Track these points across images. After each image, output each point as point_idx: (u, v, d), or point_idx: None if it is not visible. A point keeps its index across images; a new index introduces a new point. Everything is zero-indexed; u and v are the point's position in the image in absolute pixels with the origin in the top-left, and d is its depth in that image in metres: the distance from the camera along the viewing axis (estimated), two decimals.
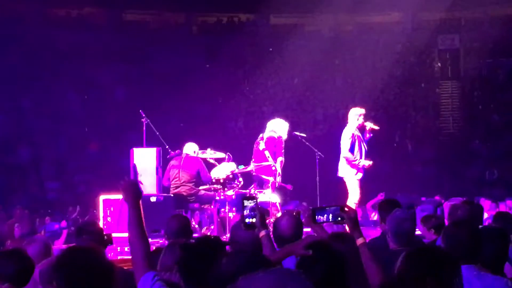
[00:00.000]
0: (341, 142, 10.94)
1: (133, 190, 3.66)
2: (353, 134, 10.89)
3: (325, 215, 4.13)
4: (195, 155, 11.01)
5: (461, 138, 22.65)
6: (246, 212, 4.25)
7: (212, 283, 2.92)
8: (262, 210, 4.41)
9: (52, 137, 20.08)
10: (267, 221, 9.66)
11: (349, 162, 10.82)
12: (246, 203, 4.26)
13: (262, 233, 4.24)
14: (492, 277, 4.07)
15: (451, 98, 24.33)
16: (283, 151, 11.14)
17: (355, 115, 11.05)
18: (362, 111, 11.19)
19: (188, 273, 3.37)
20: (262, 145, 11.06)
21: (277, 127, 11.26)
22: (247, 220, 4.26)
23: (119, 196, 10.97)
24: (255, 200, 4.28)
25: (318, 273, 3.39)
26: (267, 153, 10.98)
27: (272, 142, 11.07)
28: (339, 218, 4.11)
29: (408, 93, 23.72)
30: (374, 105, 21.82)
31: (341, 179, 11.09)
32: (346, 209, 4.14)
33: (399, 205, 6.73)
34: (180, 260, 3.47)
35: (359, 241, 4.04)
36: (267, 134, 11.17)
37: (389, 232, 5.44)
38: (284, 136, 11.22)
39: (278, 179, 11.00)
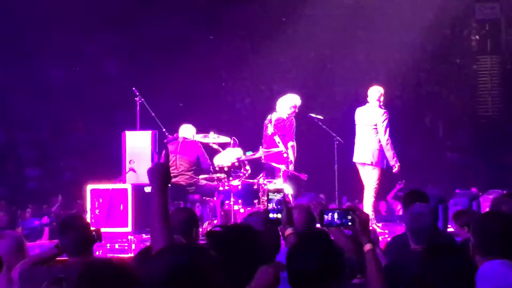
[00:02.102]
0: (377, 124, 11.06)
1: (163, 172, 3.67)
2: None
3: (334, 217, 4.16)
4: (193, 138, 11.00)
5: (500, 121, 22.56)
6: (271, 205, 4.29)
7: None
8: (289, 205, 4.48)
9: (32, 117, 20.08)
10: None
11: (390, 148, 10.97)
12: (271, 195, 4.31)
13: (289, 231, 4.30)
14: None
15: (490, 75, 24.18)
16: (293, 131, 11.09)
17: (379, 93, 11.28)
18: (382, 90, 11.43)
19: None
20: (270, 129, 11.04)
21: (285, 104, 11.23)
22: (271, 215, 4.29)
23: (109, 186, 11.00)
24: (282, 193, 4.33)
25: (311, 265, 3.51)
26: (277, 138, 10.96)
27: (281, 123, 11.04)
28: (350, 222, 4.15)
29: (441, 70, 23.59)
30: (401, 84, 21.74)
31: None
32: (357, 212, 4.22)
33: (425, 198, 6.72)
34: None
35: (367, 247, 4.11)
36: (275, 115, 11.14)
37: (407, 230, 5.44)
38: (298, 103, 11.18)
39: (291, 167, 10.99)
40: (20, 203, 17.37)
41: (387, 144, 10.99)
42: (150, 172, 3.69)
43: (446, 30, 23.98)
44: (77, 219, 5.62)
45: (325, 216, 4.19)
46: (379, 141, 11.02)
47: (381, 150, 11.02)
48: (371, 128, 11.14)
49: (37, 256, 5.67)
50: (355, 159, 11.30)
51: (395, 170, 11.13)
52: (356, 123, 11.47)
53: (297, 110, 11.29)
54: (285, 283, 3.64)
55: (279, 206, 4.28)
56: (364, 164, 11.12)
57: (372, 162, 11.02)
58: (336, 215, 4.17)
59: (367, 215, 4.29)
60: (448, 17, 23.87)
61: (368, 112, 11.26)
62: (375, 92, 11.35)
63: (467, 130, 22.26)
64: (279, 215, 4.29)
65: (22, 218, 16.45)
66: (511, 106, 22.77)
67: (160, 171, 3.67)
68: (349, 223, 4.17)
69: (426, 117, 22.36)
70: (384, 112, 11.12)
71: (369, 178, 11.07)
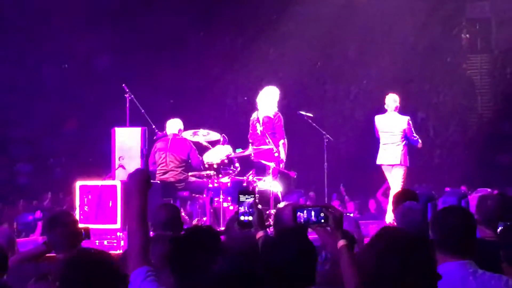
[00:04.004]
0: (405, 131, 12.25)
1: (141, 177, 3.77)
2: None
3: (307, 215, 4.16)
4: (179, 132, 11.00)
5: (490, 119, 22.61)
6: (242, 208, 4.27)
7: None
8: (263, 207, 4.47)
9: (22, 113, 20.02)
10: (268, 212, 9.70)
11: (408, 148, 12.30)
12: (242, 198, 4.28)
13: (260, 233, 4.28)
14: (490, 276, 4.06)
15: (480, 74, 24.24)
16: (283, 128, 11.11)
17: (396, 102, 12.39)
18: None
19: (179, 268, 3.40)
20: (259, 128, 11.05)
21: (269, 100, 11.24)
22: (242, 217, 4.27)
23: (98, 182, 10.98)
24: (253, 196, 4.29)
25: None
26: (268, 136, 10.96)
27: (270, 123, 11.05)
28: (323, 220, 4.14)
29: (431, 68, 23.61)
30: (391, 82, 21.75)
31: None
32: (330, 209, 4.23)
33: (415, 197, 6.75)
34: (169, 254, 3.50)
35: (341, 243, 4.13)
36: (262, 113, 11.15)
37: (396, 225, 5.45)
38: (275, 107, 11.25)
39: (281, 165, 11.01)
40: (10, 200, 17.34)
41: (418, 141, 12.50)
42: (131, 176, 3.81)
43: (437, 28, 24.00)
44: (64, 215, 5.62)
45: (299, 214, 4.18)
46: (404, 144, 12.23)
47: (406, 152, 12.23)
48: (396, 134, 12.23)
49: (26, 253, 5.67)
50: (381, 162, 12.37)
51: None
52: (379, 130, 12.37)
53: None
54: None
55: (250, 209, 4.26)
56: (393, 165, 12.18)
57: (400, 162, 12.14)
58: (309, 213, 4.16)
59: (341, 212, 4.30)
60: (439, 16, 23.91)
61: (391, 121, 12.29)
62: (393, 102, 12.37)
63: (457, 128, 22.29)
64: (250, 218, 4.27)
65: (13, 213, 16.42)
66: (501, 105, 22.82)
67: (140, 176, 3.78)
68: (323, 221, 4.17)
69: (417, 115, 22.38)
70: (408, 120, 12.33)
71: (397, 177, 12.13)
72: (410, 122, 12.42)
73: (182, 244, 3.51)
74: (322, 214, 4.14)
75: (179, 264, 3.42)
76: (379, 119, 12.50)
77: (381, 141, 12.40)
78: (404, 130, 12.26)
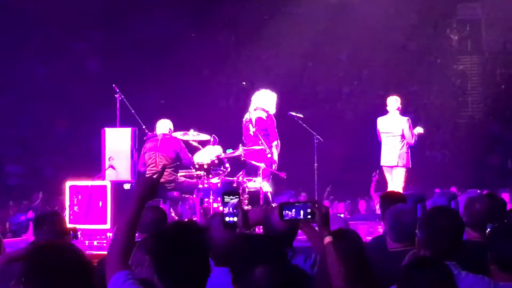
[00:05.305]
0: (404, 131, 12.35)
1: (148, 185, 3.71)
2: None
3: (294, 211, 4.16)
4: (169, 132, 10.98)
5: (481, 121, 22.66)
6: (226, 209, 4.25)
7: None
8: (247, 208, 4.46)
9: (13, 114, 19.97)
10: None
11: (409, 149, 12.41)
12: (227, 199, 4.27)
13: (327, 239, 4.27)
14: (474, 277, 4.09)
15: (470, 75, 24.30)
16: (276, 130, 11.11)
17: (397, 103, 12.57)
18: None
19: (161, 265, 3.37)
20: (252, 128, 11.03)
21: (264, 102, 11.24)
22: (227, 218, 4.25)
23: (88, 183, 10.96)
24: (237, 196, 4.28)
25: None
26: (260, 137, 10.95)
27: (262, 124, 11.04)
28: (310, 216, 4.13)
29: (422, 69, 23.67)
30: (383, 82, 21.78)
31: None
32: (316, 205, 4.23)
33: (403, 199, 6.74)
34: (151, 250, 3.48)
35: (326, 239, 4.14)
36: (254, 114, 11.14)
37: (387, 228, 5.44)
38: (273, 111, 11.23)
39: (274, 166, 11.01)
40: (0, 200, 17.28)
41: (414, 140, 12.41)
42: (139, 181, 3.82)
43: (428, 29, 24.05)
44: (52, 215, 5.60)
45: (286, 211, 4.17)
46: (405, 145, 12.33)
47: (407, 153, 12.34)
48: (398, 136, 12.36)
49: (13, 253, 5.63)
50: (383, 163, 12.54)
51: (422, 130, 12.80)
52: (381, 131, 12.52)
53: None
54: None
55: (235, 210, 4.25)
56: (393, 166, 12.34)
57: (401, 164, 12.30)
58: (296, 209, 4.16)
59: (327, 208, 4.30)
60: (430, 17, 23.96)
61: (392, 121, 12.45)
62: (394, 102, 12.56)
63: (447, 129, 22.33)
64: (235, 219, 4.25)
65: (4, 213, 16.39)
66: (490, 106, 22.88)
67: (148, 184, 3.73)
68: (309, 217, 4.16)
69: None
70: (408, 119, 12.47)
71: (397, 178, 12.28)
72: (409, 121, 12.51)
73: (164, 239, 3.49)
74: (308, 211, 4.14)
75: (161, 260, 3.40)
76: (380, 121, 12.64)
77: (382, 142, 12.53)
78: (403, 130, 12.39)
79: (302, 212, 4.16)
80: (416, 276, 3.48)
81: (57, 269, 3.17)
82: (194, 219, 10.55)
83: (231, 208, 4.26)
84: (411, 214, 5.50)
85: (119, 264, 3.48)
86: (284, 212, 4.17)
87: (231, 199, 4.27)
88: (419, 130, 12.68)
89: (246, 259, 3.52)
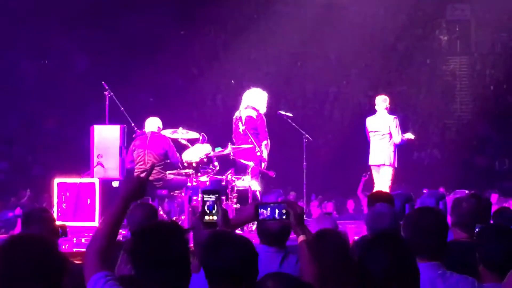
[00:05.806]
0: (390, 129, 12.40)
1: (135, 185, 3.70)
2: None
3: (270, 211, 4.19)
4: (158, 130, 10.98)
5: (469, 121, 22.71)
6: (206, 208, 4.25)
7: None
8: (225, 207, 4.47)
9: (0, 110, 19.89)
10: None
11: (397, 148, 12.43)
12: (206, 197, 4.27)
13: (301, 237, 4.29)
14: (458, 277, 4.11)
15: (459, 76, 24.36)
16: (266, 129, 11.11)
17: (386, 102, 12.60)
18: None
19: (139, 261, 3.37)
20: (241, 127, 11.03)
21: (255, 101, 11.23)
22: (207, 217, 4.25)
23: (77, 180, 10.94)
24: (216, 195, 4.28)
25: None
26: (250, 135, 10.95)
27: (252, 123, 11.03)
28: (285, 216, 4.19)
29: (411, 70, 23.70)
30: (372, 83, 21.82)
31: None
32: (291, 205, 4.27)
33: (390, 199, 6.73)
34: (131, 247, 3.47)
35: (300, 238, 4.20)
36: (244, 113, 11.13)
37: (368, 230, 5.46)
38: (263, 110, 11.22)
39: (263, 165, 11.01)
40: None
41: (401, 139, 12.44)
42: (125, 180, 3.79)
43: (417, 30, 24.10)
44: (41, 212, 5.58)
45: (262, 211, 4.19)
46: (392, 144, 12.36)
47: (394, 152, 12.38)
48: (385, 135, 12.39)
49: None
50: (371, 162, 12.51)
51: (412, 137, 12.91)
52: (369, 130, 12.54)
53: None
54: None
55: (213, 209, 4.25)
56: (380, 165, 12.34)
57: (388, 163, 12.31)
58: (271, 209, 4.19)
59: (302, 208, 4.33)
60: (419, 17, 24.01)
61: (379, 120, 12.48)
62: (382, 102, 12.59)
63: (436, 129, 22.38)
64: (214, 217, 4.26)
65: None
66: (479, 107, 22.93)
67: (135, 184, 3.71)
68: (284, 217, 4.19)
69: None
70: (395, 118, 12.52)
71: (385, 177, 12.31)
72: (397, 120, 12.57)
73: (144, 237, 3.48)
74: (283, 211, 4.17)
75: (140, 257, 3.39)
76: (368, 120, 12.68)
77: (370, 141, 12.57)
78: (390, 128, 12.43)
79: (277, 211, 4.20)
80: (375, 251, 3.48)
81: (27, 261, 3.13)
82: (183, 217, 10.56)
83: (209, 207, 4.26)
84: (389, 217, 5.50)
85: (97, 264, 3.43)
86: (259, 211, 4.20)
87: (210, 197, 4.27)
88: (409, 136, 12.73)
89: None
